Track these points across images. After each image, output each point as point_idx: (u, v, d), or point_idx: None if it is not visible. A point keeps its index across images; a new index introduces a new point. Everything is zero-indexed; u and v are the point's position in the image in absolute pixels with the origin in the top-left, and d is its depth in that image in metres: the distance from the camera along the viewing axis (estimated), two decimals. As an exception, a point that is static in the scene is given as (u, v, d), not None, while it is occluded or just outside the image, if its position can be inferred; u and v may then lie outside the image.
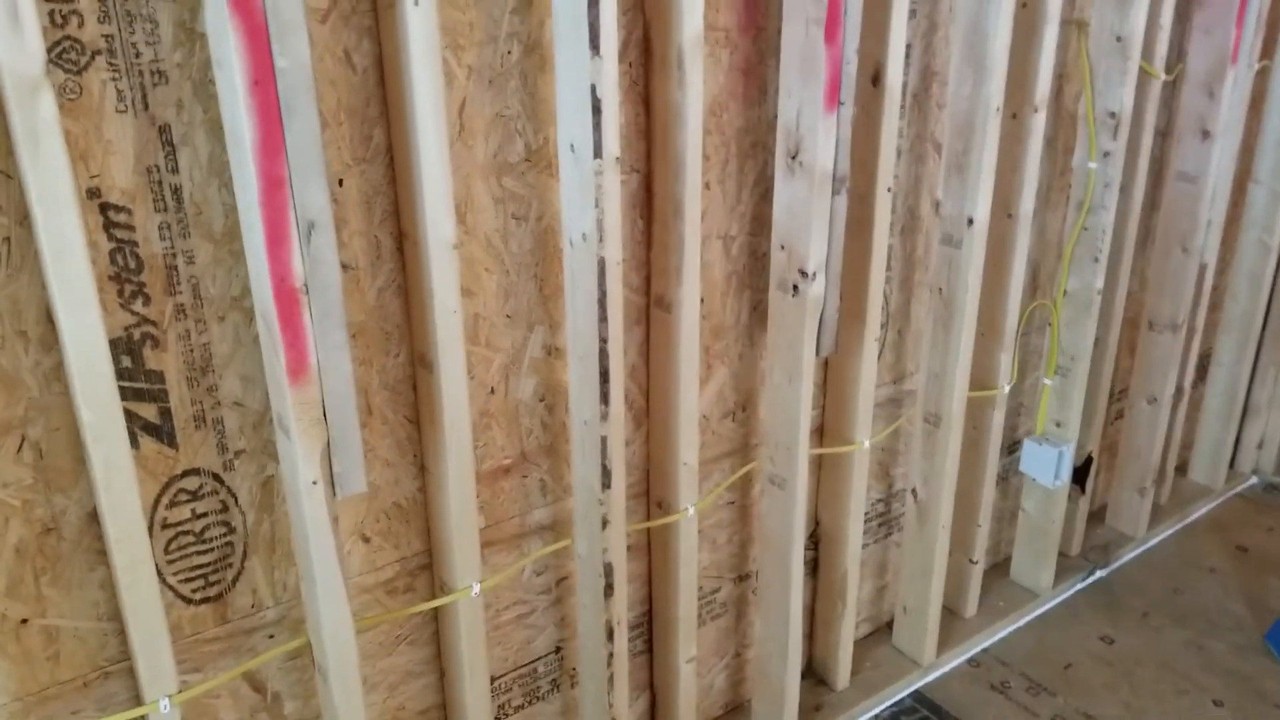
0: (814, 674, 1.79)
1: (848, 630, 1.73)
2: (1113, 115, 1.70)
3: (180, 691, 1.03)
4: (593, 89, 1.05)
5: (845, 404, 1.58)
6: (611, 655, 1.33)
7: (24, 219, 0.85)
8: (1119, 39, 1.66)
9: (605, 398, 1.19)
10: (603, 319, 1.15)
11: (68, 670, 1.02)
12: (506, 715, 1.41)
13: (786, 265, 1.35)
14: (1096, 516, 2.26)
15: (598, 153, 1.08)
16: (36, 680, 1.01)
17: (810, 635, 1.78)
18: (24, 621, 0.98)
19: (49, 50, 0.82)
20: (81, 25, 0.84)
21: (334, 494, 1.03)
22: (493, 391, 1.23)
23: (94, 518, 0.98)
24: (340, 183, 1.02)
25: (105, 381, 0.88)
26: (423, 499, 1.21)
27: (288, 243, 0.90)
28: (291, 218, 0.90)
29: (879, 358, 1.58)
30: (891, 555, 1.88)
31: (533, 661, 1.42)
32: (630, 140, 1.22)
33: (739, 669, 1.72)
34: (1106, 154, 1.73)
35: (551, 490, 1.33)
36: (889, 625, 1.90)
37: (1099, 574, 2.11)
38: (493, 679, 1.37)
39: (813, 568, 1.73)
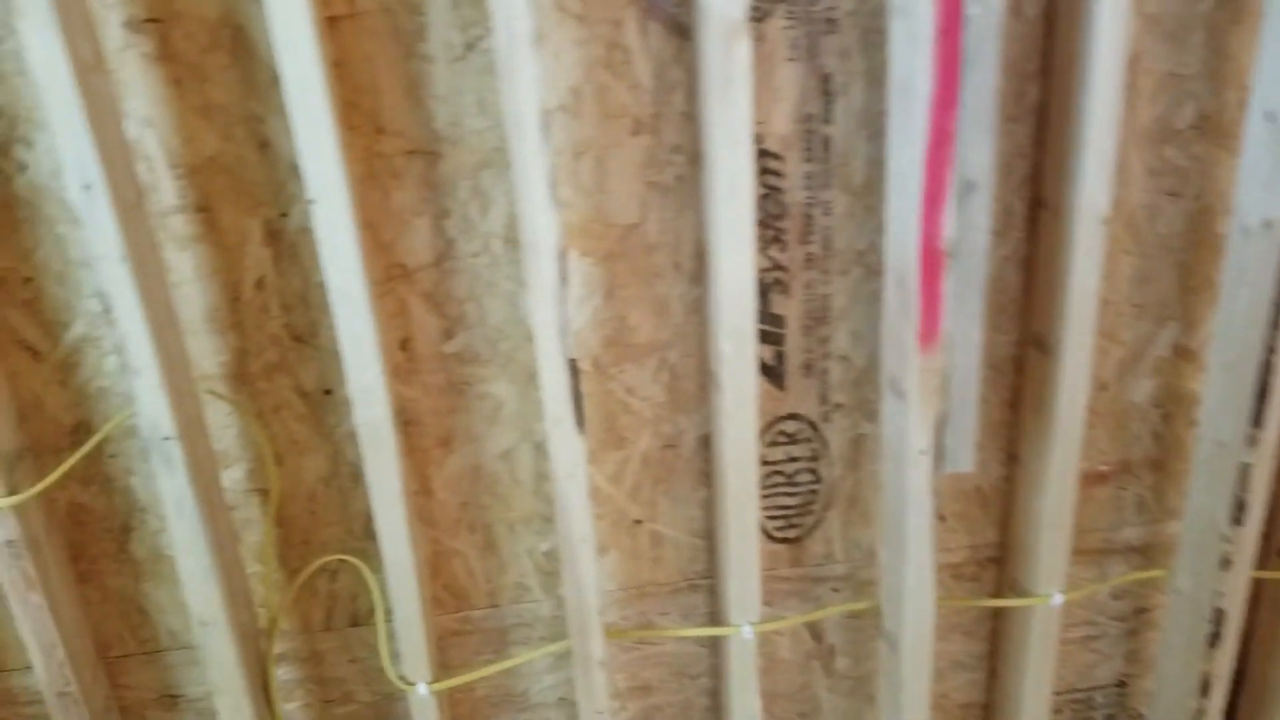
0: None
1: None
2: None
3: (761, 621, 0.98)
4: (1319, 36, 0.77)
5: None
6: (1202, 713, 1.03)
7: (694, 159, 0.84)
8: None
9: (1258, 419, 0.89)
10: (1274, 324, 0.86)
11: (663, 574, 1.03)
12: (1050, 736, 1.18)
13: None
14: None
15: (1310, 118, 0.79)
16: (638, 576, 1.03)
17: None
18: (638, 522, 1.01)
19: (741, -2, 0.79)
20: (771, -28, 0.80)
21: (939, 467, 0.90)
22: (1104, 388, 1.00)
23: (705, 443, 0.97)
24: (988, 141, 0.88)
25: (748, 318, 0.84)
26: (1006, 489, 1.03)
27: (943, 203, 0.78)
28: (951, 177, 0.78)
29: None
30: None
31: (1090, 689, 1.16)
32: (1347, 108, 0.90)
33: (1347, 773, 1.27)
34: None
35: (1150, 510, 1.06)
36: None
37: None
38: (1043, 695, 1.15)
39: None
